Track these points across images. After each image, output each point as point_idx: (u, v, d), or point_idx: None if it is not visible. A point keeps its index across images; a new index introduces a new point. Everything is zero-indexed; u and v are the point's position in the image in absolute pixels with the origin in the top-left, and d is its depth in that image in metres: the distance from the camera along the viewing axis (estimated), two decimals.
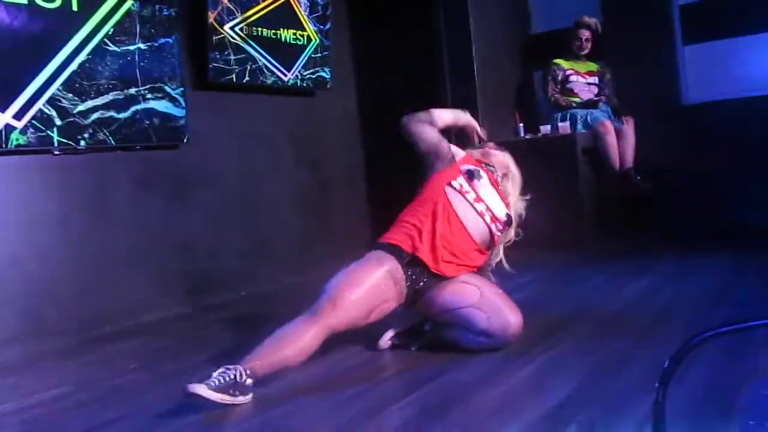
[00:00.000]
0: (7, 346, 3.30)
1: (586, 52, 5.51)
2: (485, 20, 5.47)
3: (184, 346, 3.33)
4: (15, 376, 2.95)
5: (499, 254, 2.89)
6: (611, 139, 5.12)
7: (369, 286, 2.52)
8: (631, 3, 5.55)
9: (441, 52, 5.48)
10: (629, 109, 5.32)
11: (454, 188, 2.72)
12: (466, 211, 2.70)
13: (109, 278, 3.85)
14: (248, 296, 4.43)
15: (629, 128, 5.21)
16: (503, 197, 2.84)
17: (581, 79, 5.52)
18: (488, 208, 2.73)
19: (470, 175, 2.75)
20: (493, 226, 2.74)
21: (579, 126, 5.27)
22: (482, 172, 2.80)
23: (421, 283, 2.63)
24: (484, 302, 2.57)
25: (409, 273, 2.61)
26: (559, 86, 5.49)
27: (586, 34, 5.48)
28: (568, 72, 5.51)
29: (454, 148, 2.89)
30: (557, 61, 5.52)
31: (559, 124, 5.31)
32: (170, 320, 3.94)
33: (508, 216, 2.81)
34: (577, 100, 5.44)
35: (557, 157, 5.08)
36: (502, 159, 2.98)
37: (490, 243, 2.79)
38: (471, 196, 2.71)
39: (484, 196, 2.73)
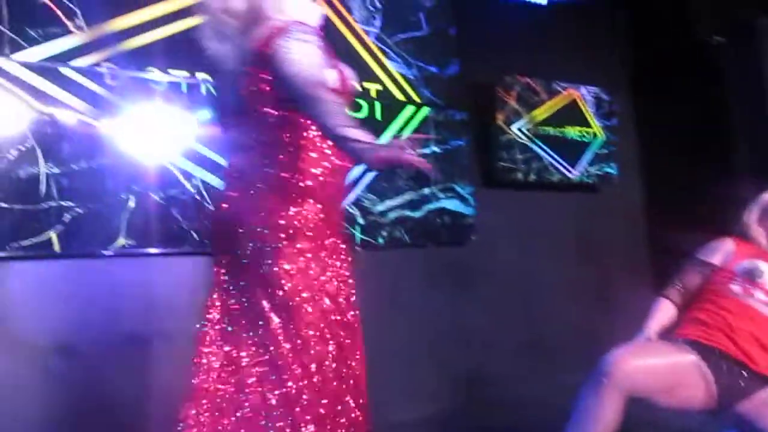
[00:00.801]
0: None
1: None
2: None
3: None
4: None
5: None
6: None
7: (666, 363, 2.36)
8: None
9: (735, 142, 5.17)
10: None
11: (737, 294, 2.50)
12: (760, 307, 2.46)
13: (393, 368, 4.01)
14: (526, 393, 4.37)
15: None
16: None
17: None
18: None
19: (749, 276, 2.51)
20: None
21: None
22: (762, 266, 2.53)
23: (738, 385, 2.39)
24: None
25: (720, 372, 2.40)
26: None
27: None
28: None
29: (722, 246, 2.68)
30: None
31: None
32: (451, 413, 3.99)
33: None
34: None
35: None
36: None
37: None
38: (760, 293, 2.47)
39: None
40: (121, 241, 3.17)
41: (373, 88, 4.04)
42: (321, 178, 1.90)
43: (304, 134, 1.87)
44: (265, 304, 1.84)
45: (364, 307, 3.87)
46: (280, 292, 1.83)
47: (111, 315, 3.19)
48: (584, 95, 5.01)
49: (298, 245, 1.86)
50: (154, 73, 3.32)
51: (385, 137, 4.02)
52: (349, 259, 2.07)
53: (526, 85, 4.69)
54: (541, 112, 4.76)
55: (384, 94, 4.08)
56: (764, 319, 2.44)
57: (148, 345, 3.26)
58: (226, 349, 1.88)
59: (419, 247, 4.17)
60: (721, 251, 2.67)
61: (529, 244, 4.75)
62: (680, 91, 5.29)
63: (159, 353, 3.28)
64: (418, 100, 4.21)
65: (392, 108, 4.09)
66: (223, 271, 1.94)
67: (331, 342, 1.91)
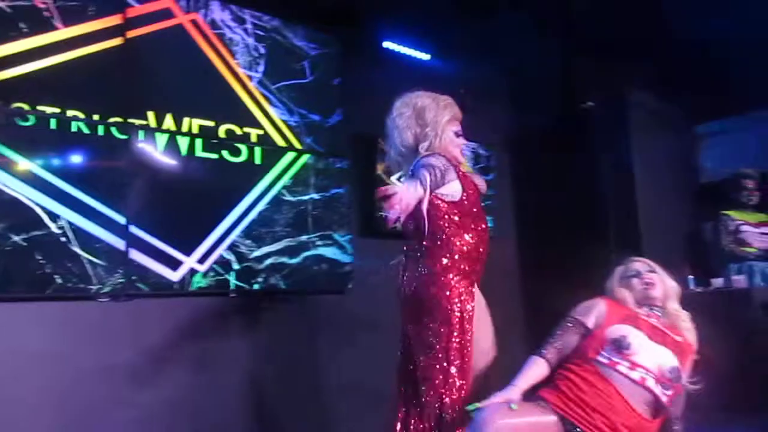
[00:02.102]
0: None
1: (754, 202, 5.30)
2: (651, 171, 5.39)
3: None
4: None
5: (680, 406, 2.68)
6: None
7: (529, 422, 2.39)
8: None
9: (605, 204, 5.43)
10: None
11: (602, 362, 2.54)
12: (622, 382, 2.51)
13: (278, 416, 3.93)
14: None
15: None
16: (673, 344, 2.64)
17: (753, 229, 5.27)
18: (648, 371, 2.54)
19: (617, 346, 2.59)
20: (657, 389, 2.54)
21: (757, 279, 4.97)
22: (631, 336, 2.58)
23: None
24: None
25: None
26: (731, 237, 5.26)
27: (750, 183, 5.30)
28: (738, 222, 5.28)
29: (595, 306, 2.74)
30: (728, 212, 5.33)
31: (734, 277, 5.02)
32: None
33: (676, 370, 2.59)
34: (753, 250, 5.18)
35: (731, 313, 4.76)
36: (662, 292, 2.79)
37: (660, 407, 2.57)
38: (624, 366, 2.52)
39: (640, 361, 2.53)
40: None
41: (253, 132, 4.02)
42: (457, 255, 2.67)
43: (446, 229, 2.67)
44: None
45: (237, 354, 3.81)
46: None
47: None
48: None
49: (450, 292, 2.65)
50: (21, 108, 3.18)
51: (264, 182, 4.00)
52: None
53: None
54: None
55: (265, 140, 4.06)
56: (620, 398, 2.48)
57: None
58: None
59: (296, 294, 4.12)
60: (595, 312, 2.70)
61: None
62: (555, 151, 5.52)
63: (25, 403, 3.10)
64: (299, 146, 4.21)
65: (272, 154, 4.08)
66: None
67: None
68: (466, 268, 2.69)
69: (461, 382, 2.60)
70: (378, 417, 4.32)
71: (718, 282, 5.05)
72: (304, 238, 4.14)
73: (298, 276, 4.08)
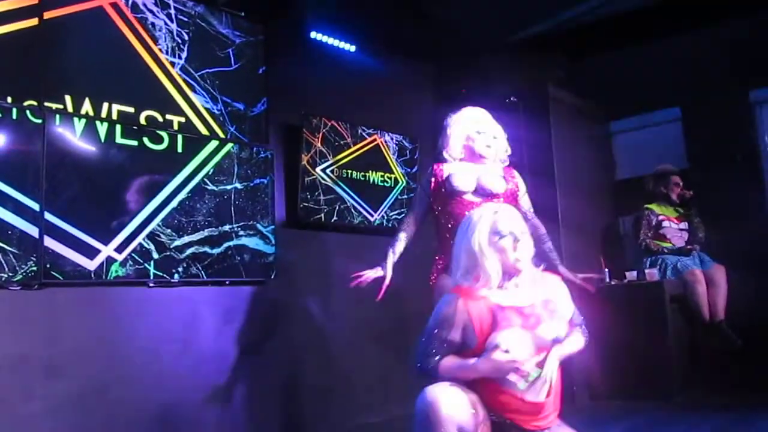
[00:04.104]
0: None
1: (675, 197, 5.46)
2: (568, 167, 5.52)
3: None
4: None
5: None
6: (701, 288, 4.97)
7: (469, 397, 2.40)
8: (718, 150, 5.53)
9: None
10: (720, 259, 5.17)
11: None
12: (516, 387, 2.41)
13: (192, 410, 3.88)
14: None
15: (721, 277, 5.05)
16: (543, 305, 2.46)
17: (673, 224, 5.44)
18: (529, 364, 2.49)
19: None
20: (545, 370, 2.50)
21: (669, 272, 5.15)
22: (508, 342, 2.35)
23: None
24: None
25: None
26: (651, 231, 5.42)
27: (676, 179, 5.47)
28: (660, 217, 5.45)
29: (459, 316, 2.49)
30: (650, 206, 5.48)
31: (647, 270, 5.19)
32: None
33: (556, 339, 2.55)
34: (668, 245, 5.35)
35: (644, 305, 4.94)
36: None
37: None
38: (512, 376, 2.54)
39: (522, 360, 2.36)
40: None
41: (175, 120, 3.95)
42: None
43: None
44: None
45: (155, 345, 3.75)
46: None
47: None
48: (387, 141, 5.18)
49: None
50: None
51: (186, 171, 3.94)
52: None
53: (332, 127, 4.78)
54: (346, 156, 4.86)
55: (187, 127, 4.00)
56: (524, 402, 2.41)
57: None
58: None
59: (217, 285, 4.08)
60: (460, 323, 2.47)
61: (331, 285, 4.79)
62: None
63: None
64: (222, 135, 4.16)
65: (195, 142, 4.02)
66: None
67: None
68: None
69: None
70: (297, 405, 4.35)
71: (632, 275, 5.23)
72: (226, 228, 4.09)
73: (219, 266, 4.04)
